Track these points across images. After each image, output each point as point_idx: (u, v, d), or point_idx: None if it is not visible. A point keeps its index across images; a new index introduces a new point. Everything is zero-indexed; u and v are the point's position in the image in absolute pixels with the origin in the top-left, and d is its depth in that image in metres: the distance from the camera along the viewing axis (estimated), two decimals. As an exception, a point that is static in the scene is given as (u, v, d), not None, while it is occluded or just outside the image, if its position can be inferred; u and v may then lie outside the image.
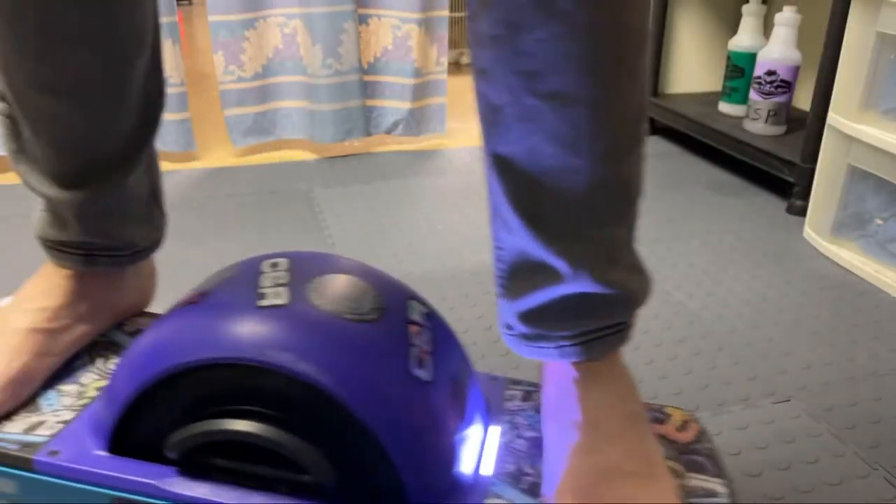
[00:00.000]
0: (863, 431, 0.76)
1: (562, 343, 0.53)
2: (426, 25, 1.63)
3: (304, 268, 0.53)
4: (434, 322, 0.55)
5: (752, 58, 1.48)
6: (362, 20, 1.61)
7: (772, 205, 1.36)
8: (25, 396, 0.56)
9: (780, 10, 1.38)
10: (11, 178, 1.54)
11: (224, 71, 1.57)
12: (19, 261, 1.16)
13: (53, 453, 0.51)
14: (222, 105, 1.59)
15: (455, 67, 2.51)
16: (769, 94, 1.40)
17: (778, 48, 1.39)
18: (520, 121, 0.47)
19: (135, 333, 0.63)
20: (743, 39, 1.52)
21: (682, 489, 0.52)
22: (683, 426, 0.60)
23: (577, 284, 0.50)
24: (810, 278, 1.09)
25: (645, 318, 0.92)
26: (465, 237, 1.23)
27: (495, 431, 0.58)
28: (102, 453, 0.51)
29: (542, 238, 0.49)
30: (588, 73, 0.44)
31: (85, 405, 0.55)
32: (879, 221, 1.11)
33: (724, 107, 1.58)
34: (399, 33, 1.62)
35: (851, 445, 0.74)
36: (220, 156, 1.67)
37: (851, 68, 1.09)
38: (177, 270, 1.14)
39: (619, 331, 0.54)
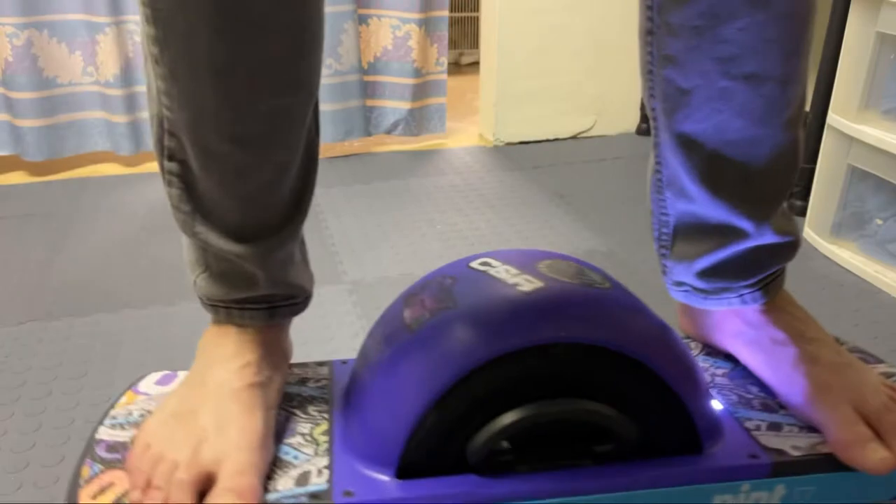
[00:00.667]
0: (863, 431, 0.76)
1: (743, 292, 0.59)
2: (426, 25, 1.63)
3: (513, 261, 0.56)
4: (618, 283, 0.58)
5: (751, 58, 1.48)
6: (362, 20, 1.61)
7: (772, 205, 1.36)
8: (273, 453, 0.53)
9: (779, 10, 1.38)
10: (11, 179, 1.54)
11: (224, 71, 1.57)
12: (17, 260, 1.16)
13: (347, 493, 0.49)
14: (222, 105, 1.59)
15: (455, 67, 2.51)
16: (769, 94, 1.40)
17: (778, 48, 1.38)
18: (709, 101, 0.52)
19: (301, 382, 0.61)
20: (743, 39, 1.52)
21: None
22: None
23: (760, 238, 0.57)
24: (810, 278, 1.09)
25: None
26: (464, 237, 1.23)
27: None
28: (394, 480, 0.50)
29: (726, 202, 0.55)
30: (783, 54, 0.50)
31: (328, 449, 0.53)
32: (879, 221, 1.11)
33: (724, 107, 1.58)
34: (399, 33, 1.63)
35: (851, 445, 0.74)
36: (220, 156, 1.67)
37: (851, 68, 1.09)
38: (177, 271, 1.14)
39: (781, 273, 0.60)
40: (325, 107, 1.60)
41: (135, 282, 1.09)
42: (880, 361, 0.64)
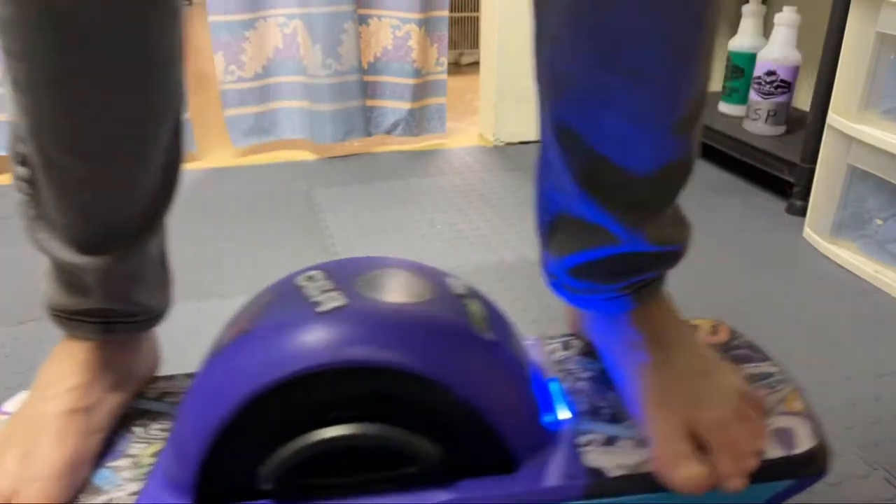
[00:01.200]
0: (863, 431, 0.76)
1: (610, 295, 0.56)
2: (426, 25, 1.63)
3: (343, 272, 0.53)
4: (471, 291, 0.56)
5: (751, 58, 1.48)
6: (362, 20, 1.61)
7: (772, 205, 1.36)
8: (81, 480, 0.53)
9: (779, 10, 1.38)
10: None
11: (224, 71, 1.57)
12: (17, 260, 1.16)
13: None
14: (222, 105, 1.59)
15: (455, 67, 2.51)
16: (769, 94, 1.40)
17: (778, 48, 1.39)
18: (588, 92, 0.46)
19: (160, 397, 0.61)
20: (743, 39, 1.52)
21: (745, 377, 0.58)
22: (714, 331, 0.66)
23: (632, 245, 0.52)
24: (810, 278, 1.09)
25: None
26: (465, 237, 1.23)
27: (554, 381, 0.61)
28: None
29: (601, 205, 0.51)
30: (672, 53, 0.44)
31: (147, 473, 0.53)
32: (879, 221, 1.11)
33: (724, 107, 1.58)
34: (399, 33, 1.63)
35: (851, 445, 0.74)
36: (220, 156, 1.67)
37: (851, 68, 1.09)
38: (177, 271, 1.14)
39: (662, 277, 0.57)
40: (324, 107, 1.60)
41: (135, 282, 1.09)
42: (766, 359, 0.61)
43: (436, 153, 1.70)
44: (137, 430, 0.57)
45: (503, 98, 1.70)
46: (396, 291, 0.52)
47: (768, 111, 1.41)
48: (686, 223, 0.57)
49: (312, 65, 1.57)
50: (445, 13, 1.66)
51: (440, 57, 1.68)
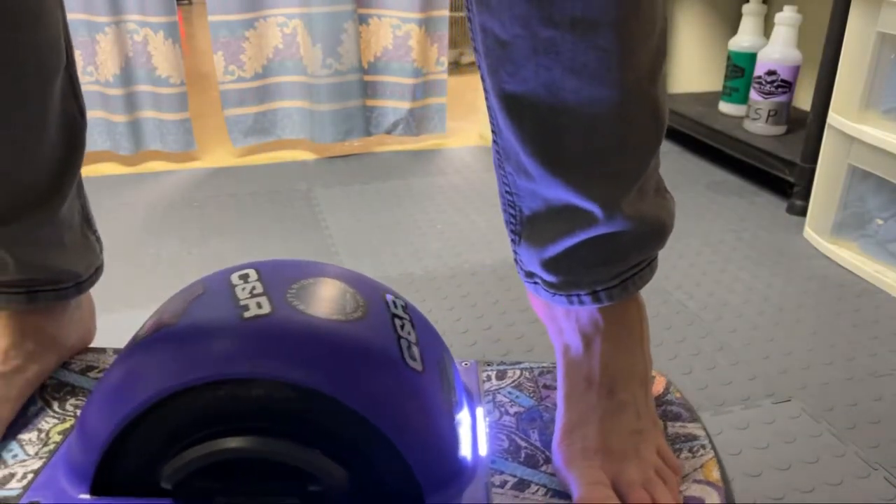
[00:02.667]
0: (863, 431, 0.76)
1: (596, 288, 0.51)
2: (426, 25, 1.63)
3: (278, 275, 0.52)
4: (411, 313, 0.55)
5: (752, 58, 1.48)
6: (362, 20, 1.61)
7: (772, 205, 1.36)
8: None
9: (780, 9, 1.38)
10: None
11: (224, 71, 1.57)
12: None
13: None
14: (222, 105, 1.59)
15: (455, 67, 2.51)
16: (769, 93, 1.40)
17: (778, 48, 1.38)
18: (534, 55, 0.42)
19: (84, 371, 0.60)
20: (743, 39, 1.52)
21: (667, 437, 0.56)
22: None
23: (609, 225, 0.47)
24: (810, 278, 1.09)
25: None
26: (465, 237, 1.23)
27: (481, 413, 0.59)
28: (86, 497, 0.48)
29: (567, 182, 0.46)
30: None
31: (53, 451, 0.52)
32: (879, 221, 1.11)
33: (725, 107, 1.58)
34: (399, 33, 1.62)
35: (851, 445, 0.74)
36: (220, 156, 1.67)
37: (852, 68, 1.09)
38: (177, 271, 1.15)
39: (649, 264, 0.52)
40: (324, 107, 1.60)
41: (135, 282, 1.09)
42: (694, 420, 0.58)
43: (436, 153, 1.70)
44: (54, 403, 0.56)
45: (503, 98, 1.69)
46: (326, 305, 0.50)
47: (769, 111, 1.41)
48: (669, 197, 0.52)
49: (312, 64, 1.57)
50: (445, 13, 1.65)
51: (440, 57, 1.68)
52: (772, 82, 1.39)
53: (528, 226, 0.51)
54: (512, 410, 0.59)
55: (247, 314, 0.48)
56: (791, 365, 0.88)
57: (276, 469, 0.46)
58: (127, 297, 1.04)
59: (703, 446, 0.55)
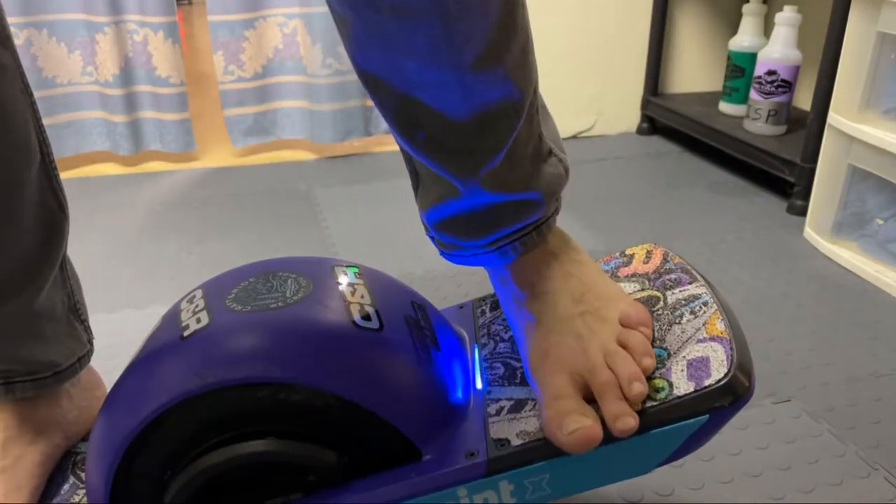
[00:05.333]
0: (863, 431, 0.76)
1: (477, 251, 0.51)
2: (426, 25, 1.63)
3: (221, 286, 0.52)
4: (367, 275, 0.54)
5: (752, 57, 1.48)
6: (362, 20, 1.61)
7: (772, 205, 1.36)
8: None
9: (780, 9, 1.38)
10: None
11: (224, 71, 1.57)
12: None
13: None
14: (222, 105, 1.59)
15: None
16: (769, 93, 1.40)
17: (778, 48, 1.38)
18: (371, 37, 0.42)
19: None
20: (743, 39, 1.52)
21: (669, 305, 0.54)
22: (648, 256, 0.60)
23: (472, 197, 0.48)
24: (810, 278, 1.09)
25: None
26: (465, 237, 1.23)
27: (477, 349, 0.58)
28: None
29: (426, 155, 0.46)
30: None
31: None
32: (879, 221, 1.11)
33: (725, 107, 1.58)
34: (399, 33, 1.62)
35: (851, 445, 0.74)
36: (220, 156, 1.67)
37: (852, 68, 1.09)
38: (177, 271, 1.14)
39: (537, 226, 0.51)
40: (324, 107, 1.60)
41: (135, 282, 1.09)
42: (694, 280, 0.55)
43: (436, 153, 1.70)
44: (83, 474, 0.56)
45: (503, 98, 1.70)
46: (266, 298, 0.50)
47: (769, 111, 1.41)
48: (550, 162, 0.51)
49: (312, 64, 1.57)
50: (445, 13, 1.65)
51: (440, 57, 1.68)
52: (772, 82, 1.39)
53: (420, 186, 0.52)
54: (506, 336, 0.58)
55: (186, 333, 0.48)
56: (791, 365, 0.88)
57: (268, 471, 0.46)
58: (127, 297, 1.04)
59: (706, 303, 0.53)
